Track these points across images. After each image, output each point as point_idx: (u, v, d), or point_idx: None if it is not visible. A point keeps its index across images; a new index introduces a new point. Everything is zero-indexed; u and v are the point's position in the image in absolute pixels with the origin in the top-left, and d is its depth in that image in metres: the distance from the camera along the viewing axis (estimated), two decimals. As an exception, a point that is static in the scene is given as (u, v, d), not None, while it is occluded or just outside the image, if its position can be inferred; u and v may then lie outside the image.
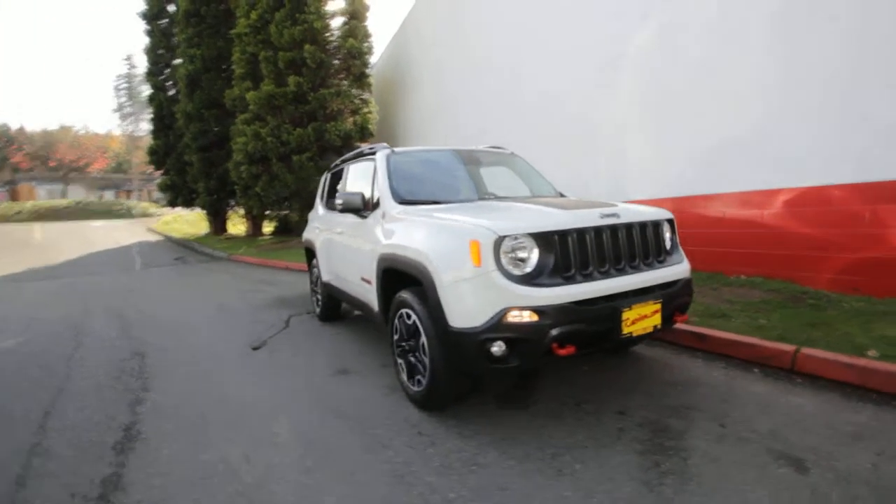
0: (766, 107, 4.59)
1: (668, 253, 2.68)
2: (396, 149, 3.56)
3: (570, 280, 2.22)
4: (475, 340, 2.14)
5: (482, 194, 3.51)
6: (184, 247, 15.17)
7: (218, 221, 17.53)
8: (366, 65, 12.17)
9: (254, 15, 11.53)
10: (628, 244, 2.43)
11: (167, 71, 18.10)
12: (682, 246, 2.93)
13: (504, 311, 2.10)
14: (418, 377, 2.56)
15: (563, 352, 2.14)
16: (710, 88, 5.05)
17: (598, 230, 2.34)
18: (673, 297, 2.50)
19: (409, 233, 2.70)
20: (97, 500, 1.97)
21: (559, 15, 7.09)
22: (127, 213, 31.10)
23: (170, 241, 17.42)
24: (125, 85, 45.74)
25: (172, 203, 18.65)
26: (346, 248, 3.75)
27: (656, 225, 2.61)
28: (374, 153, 3.61)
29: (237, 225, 17.66)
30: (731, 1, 4.81)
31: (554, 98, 7.26)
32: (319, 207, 4.83)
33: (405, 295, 2.63)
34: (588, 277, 2.26)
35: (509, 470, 2.00)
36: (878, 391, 2.51)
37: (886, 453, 1.98)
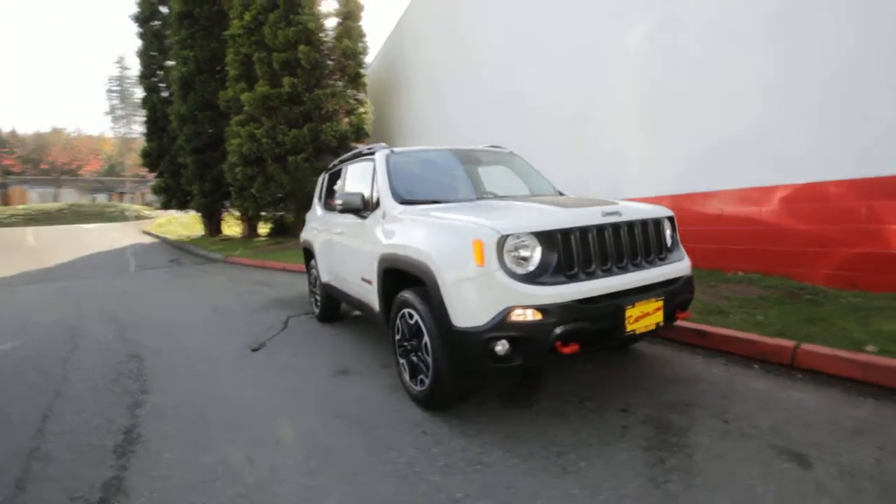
0: (766, 107, 4.61)
1: (669, 250, 2.69)
2: (395, 149, 3.55)
3: (573, 278, 2.22)
4: (479, 340, 2.14)
5: (481, 194, 3.51)
6: (178, 249, 15.07)
7: (213, 223, 17.44)
8: (360, 65, 12.15)
9: (247, 16, 11.48)
10: (630, 242, 2.44)
11: (160, 73, 17.98)
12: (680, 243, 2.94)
13: (508, 310, 2.10)
14: (421, 377, 2.55)
15: (567, 350, 2.14)
16: (709, 88, 5.08)
17: (600, 228, 2.34)
18: (675, 295, 2.51)
19: (410, 233, 2.69)
20: (98, 504, 1.95)
21: (557, 15, 7.10)
22: (120, 216, 30.85)
23: (164, 243, 17.29)
24: (117, 87, 45.51)
25: (166, 205, 18.54)
26: (345, 249, 3.73)
27: (657, 222, 2.62)
28: (372, 153, 3.60)
29: (232, 226, 17.57)
30: (731, 1, 4.83)
31: (552, 98, 7.27)
32: (317, 208, 4.81)
33: (407, 295, 2.62)
34: (591, 275, 2.26)
35: (514, 468, 2.00)
36: (878, 386, 2.52)
37: (888, 448, 1.99)
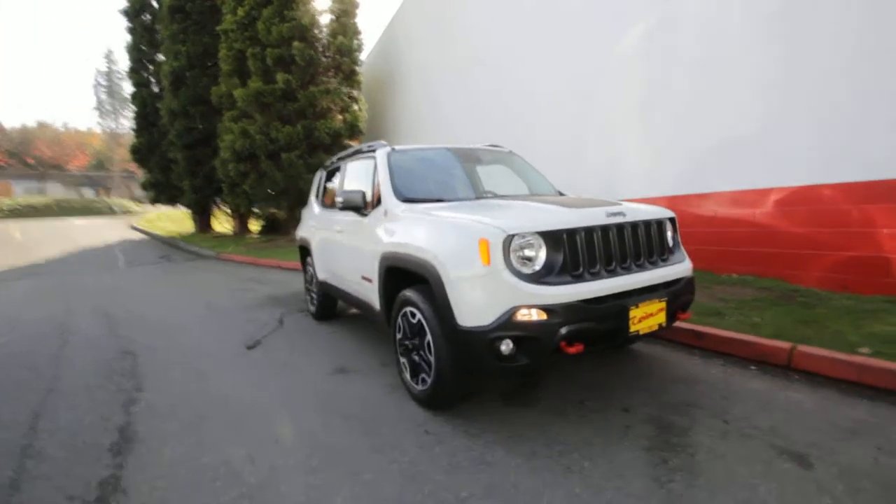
0: (764, 107, 4.65)
1: (671, 251, 2.71)
2: (396, 146, 3.54)
3: (578, 279, 2.22)
4: (484, 339, 2.13)
5: (481, 193, 3.51)
6: (168, 245, 14.90)
7: (203, 219, 17.26)
8: (355, 62, 12.08)
9: (241, 11, 11.35)
10: (634, 243, 2.45)
11: (151, 67, 17.74)
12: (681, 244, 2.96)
13: (513, 310, 2.10)
14: (423, 376, 2.55)
15: (571, 350, 2.15)
16: (707, 89, 5.12)
17: (604, 229, 2.35)
18: (677, 296, 2.52)
19: (413, 231, 2.68)
20: (95, 503, 1.91)
21: (555, 14, 7.12)
22: (108, 211, 30.43)
23: (154, 239, 17.09)
24: (105, 82, 44.80)
25: (155, 201, 18.31)
26: (345, 247, 3.71)
27: (660, 223, 2.64)
28: (373, 151, 3.58)
29: (223, 223, 17.40)
30: (731, 1, 4.87)
31: (549, 97, 7.29)
32: (314, 205, 4.78)
33: (409, 293, 2.61)
34: (596, 276, 2.27)
35: (518, 468, 2.00)
36: (873, 387, 2.56)
37: (885, 448, 2.02)
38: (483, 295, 2.17)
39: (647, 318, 2.33)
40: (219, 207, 16.63)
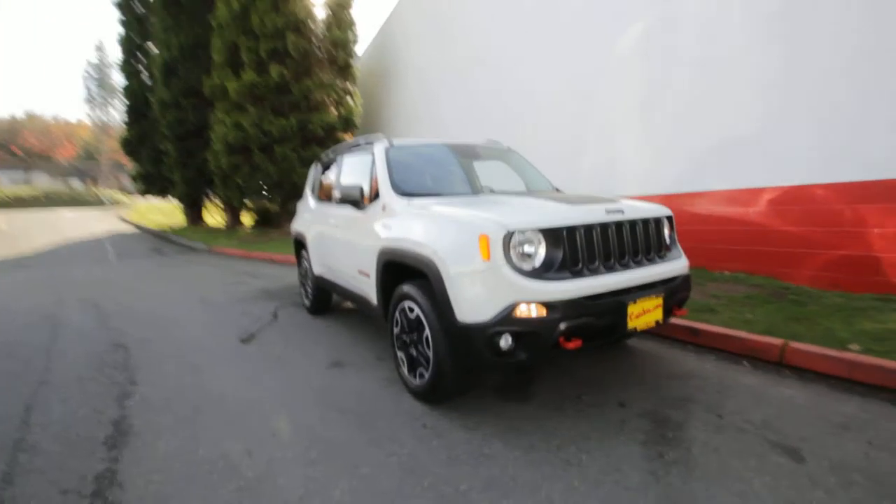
0: (764, 107, 4.67)
1: (668, 249, 2.73)
2: (394, 141, 3.52)
3: (577, 275, 2.23)
4: (484, 334, 2.14)
5: (479, 188, 3.51)
6: (159, 237, 14.74)
7: (194, 212, 17.09)
8: (350, 56, 11.99)
9: (235, 2, 11.19)
10: (632, 240, 2.46)
11: (143, 59, 17.47)
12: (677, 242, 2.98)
13: (513, 305, 2.11)
14: (420, 370, 2.55)
15: (570, 345, 2.16)
16: (707, 89, 5.14)
17: (603, 226, 2.36)
18: (674, 292, 2.55)
19: (412, 226, 2.67)
20: (92, 497, 1.90)
21: (555, 12, 7.11)
22: (97, 202, 30.01)
23: (144, 231, 16.90)
24: (96, 74, 44.10)
25: (146, 193, 18.09)
26: (341, 241, 3.69)
27: (657, 221, 2.65)
28: (371, 145, 3.56)
29: (215, 216, 17.23)
30: (731, 1, 4.88)
31: (550, 97, 7.29)
32: (310, 199, 4.74)
33: (407, 288, 2.60)
34: (594, 272, 2.28)
35: (516, 461, 2.01)
36: (863, 383, 2.61)
37: (875, 442, 2.06)
38: (482, 290, 2.18)
39: (644, 314, 2.34)
40: (210, 200, 16.46)
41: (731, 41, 4.87)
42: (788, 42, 4.44)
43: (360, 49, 12.49)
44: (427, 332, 2.44)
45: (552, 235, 2.25)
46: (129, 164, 21.99)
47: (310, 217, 4.57)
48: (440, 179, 3.42)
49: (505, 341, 2.15)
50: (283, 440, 2.28)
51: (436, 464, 2.01)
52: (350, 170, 3.82)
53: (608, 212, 2.41)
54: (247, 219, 16.09)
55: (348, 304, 5.01)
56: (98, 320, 4.76)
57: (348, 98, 12.11)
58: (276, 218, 14.01)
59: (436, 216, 2.60)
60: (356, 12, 12.28)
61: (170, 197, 17.54)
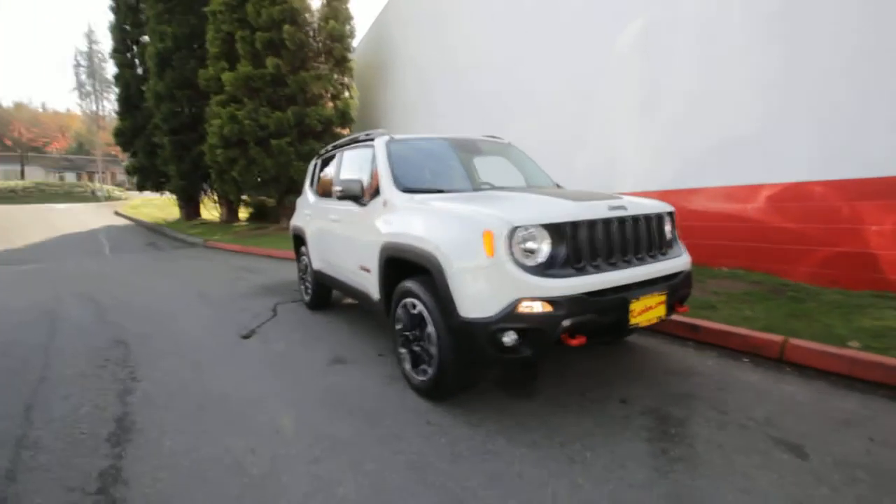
0: (763, 107, 4.67)
1: (670, 245, 2.74)
2: (395, 136, 3.50)
3: (581, 271, 2.23)
4: (487, 330, 2.14)
5: (478, 184, 3.50)
6: (154, 232, 14.66)
7: (190, 206, 16.98)
8: (347, 48, 11.90)
9: (229, -9, 11.09)
10: (635, 236, 2.47)
11: (135, 48, 17.26)
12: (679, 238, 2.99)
13: (517, 302, 2.10)
14: (423, 367, 2.55)
15: (574, 342, 2.16)
16: (707, 89, 5.14)
17: (607, 222, 2.36)
18: (676, 289, 2.56)
19: (415, 221, 2.66)
20: (97, 495, 1.89)
21: (553, 8, 7.06)
22: (91, 196, 29.74)
23: (139, 225, 16.79)
24: (85, 62, 43.49)
25: (141, 187, 17.94)
26: (342, 236, 3.67)
27: (659, 217, 2.66)
28: (371, 139, 3.54)
29: (210, 210, 17.14)
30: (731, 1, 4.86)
31: (547, 95, 7.27)
32: (309, 194, 4.72)
33: (410, 284, 2.60)
34: (598, 269, 2.28)
35: (521, 458, 2.02)
36: (863, 380, 2.63)
37: (877, 439, 2.08)
38: (486, 286, 2.17)
39: (647, 311, 2.35)
40: (206, 194, 16.36)
41: (730, 41, 4.86)
42: (788, 42, 4.44)
43: (355, 41, 12.38)
44: (430, 328, 2.43)
45: (556, 231, 2.25)
46: (123, 157, 21.82)
47: (309, 213, 4.55)
48: (441, 175, 3.41)
49: (509, 338, 2.15)
50: (287, 437, 2.27)
51: (441, 460, 2.01)
52: (350, 165, 3.80)
53: (611, 208, 2.41)
54: (243, 213, 16.02)
55: (348, 300, 5.00)
56: (96, 316, 4.73)
57: (345, 91, 12.03)
58: (272, 213, 13.96)
59: (438, 212, 2.59)
60: (352, 5, 12.17)
61: (166, 191, 17.41)
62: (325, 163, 4.53)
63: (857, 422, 2.23)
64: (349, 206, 3.46)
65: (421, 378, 2.58)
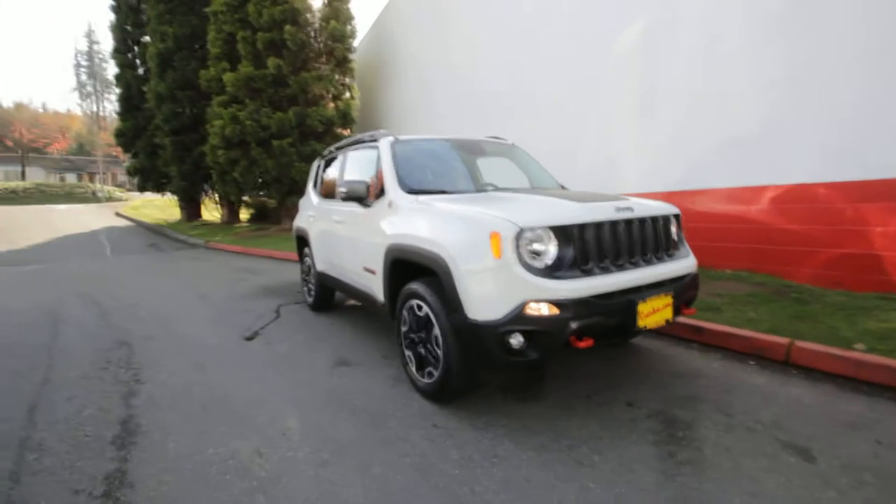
0: (763, 108, 4.67)
1: (676, 247, 2.73)
2: (400, 137, 3.49)
3: (588, 273, 2.23)
4: (494, 333, 2.13)
5: (482, 185, 3.50)
6: (155, 233, 14.65)
7: (191, 207, 16.99)
8: (349, 49, 11.91)
9: (231, -9, 11.10)
10: (641, 238, 2.46)
11: (136, 48, 17.27)
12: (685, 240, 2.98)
13: (524, 304, 2.10)
14: (429, 369, 2.54)
15: (581, 344, 2.16)
16: (708, 90, 5.14)
17: (613, 224, 2.36)
18: (682, 291, 2.55)
19: (421, 223, 2.65)
20: (103, 498, 1.88)
21: (552, 10, 7.07)
22: (92, 197, 29.74)
23: (140, 226, 16.79)
24: (86, 62, 43.51)
25: (142, 188, 17.95)
26: (346, 238, 3.67)
27: (665, 219, 2.65)
28: (375, 141, 3.54)
29: (211, 211, 17.14)
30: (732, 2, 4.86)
31: (547, 95, 7.27)
32: (312, 195, 4.71)
33: (416, 286, 2.59)
34: (605, 271, 2.28)
35: (529, 461, 2.01)
36: (869, 382, 2.63)
37: (884, 442, 2.07)
38: (494, 289, 2.17)
39: (654, 313, 2.35)
40: (207, 195, 16.37)
41: (733, 41, 4.86)
42: (791, 42, 4.43)
43: (356, 41, 12.39)
44: (436, 330, 2.43)
45: (563, 233, 2.24)
46: (124, 158, 21.81)
47: (312, 214, 4.54)
48: (446, 176, 3.40)
49: (516, 340, 2.14)
50: (294, 440, 2.27)
51: (449, 464, 2.01)
52: (354, 166, 3.79)
53: (618, 209, 2.41)
54: (244, 214, 16.02)
55: (351, 302, 5.00)
56: (98, 317, 4.73)
57: (346, 92, 12.03)
58: (273, 214, 13.96)
59: (445, 213, 2.58)
60: (353, 6, 12.16)
61: (167, 192, 17.42)
62: (328, 164, 4.53)
63: (863, 424, 2.22)
64: (353, 207, 3.46)
65: (426, 380, 2.58)
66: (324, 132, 11.55)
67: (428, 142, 3.69)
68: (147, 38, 15.79)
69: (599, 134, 6.43)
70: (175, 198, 17.23)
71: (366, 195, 3.19)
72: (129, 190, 34.51)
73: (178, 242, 12.29)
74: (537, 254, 2.20)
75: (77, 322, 4.54)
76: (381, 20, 12.95)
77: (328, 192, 4.34)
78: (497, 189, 3.41)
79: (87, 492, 1.92)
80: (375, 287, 3.16)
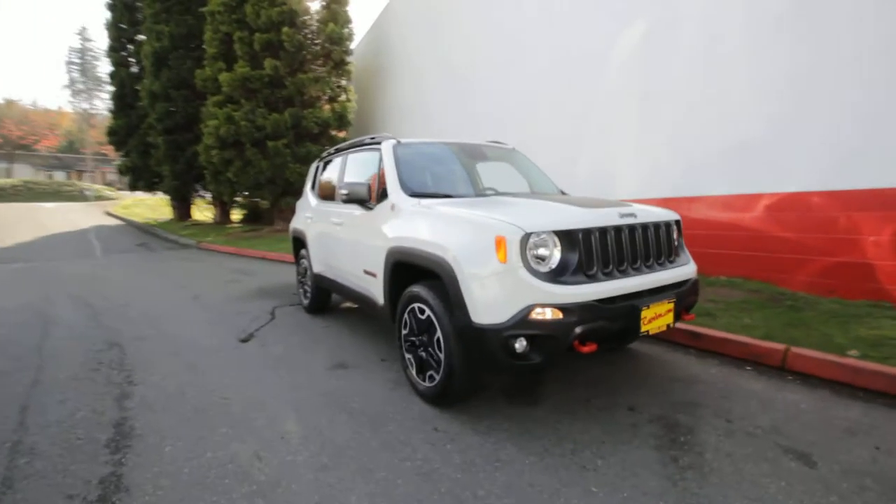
0: (760, 114, 4.73)
1: (677, 253, 2.75)
2: (402, 140, 3.48)
3: (592, 278, 2.23)
4: (499, 337, 2.12)
5: (481, 189, 3.50)
6: (146, 232, 14.48)
7: (183, 207, 16.83)
8: (346, 51, 11.89)
9: (228, -8, 11.04)
10: (644, 244, 2.47)
11: (130, 47, 17.13)
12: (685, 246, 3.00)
13: (529, 308, 2.09)
14: (430, 373, 2.53)
15: (585, 349, 2.16)
16: (700, 96, 5.20)
17: (617, 229, 2.37)
18: (683, 297, 2.56)
19: (424, 226, 2.64)
20: (98, 503, 1.84)
21: (548, 13, 7.12)
22: (80, 196, 29.35)
23: (130, 226, 16.58)
24: (78, 60, 43.10)
25: (133, 187, 17.76)
26: (346, 240, 3.64)
27: (668, 225, 2.67)
28: (376, 143, 3.53)
29: (203, 211, 16.99)
30: (733, 4, 4.92)
31: (546, 97, 7.30)
32: (310, 197, 4.68)
33: (418, 289, 2.58)
34: (609, 276, 2.28)
35: (532, 466, 2.00)
36: (865, 389, 2.66)
37: (883, 448, 2.09)
38: (499, 292, 2.16)
39: (656, 318, 2.36)
40: (200, 195, 16.23)
41: (733, 44, 4.91)
42: (790, 45, 4.49)
43: (353, 44, 12.38)
44: (439, 333, 2.42)
45: (568, 238, 2.24)
46: (115, 156, 21.57)
47: (310, 215, 4.51)
48: (448, 180, 3.40)
49: (520, 344, 2.14)
50: (293, 443, 2.24)
51: (451, 469, 1.99)
52: (355, 168, 3.78)
53: (622, 215, 2.42)
54: (236, 215, 15.90)
55: (346, 304, 4.97)
56: (89, 318, 4.65)
57: (343, 94, 12.01)
58: (266, 215, 13.86)
59: (449, 217, 2.57)
60: (351, 8, 12.13)
61: (158, 192, 17.24)
62: (327, 166, 4.51)
63: (861, 430, 2.24)
64: (354, 209, 3.44)
65: (427, 384, 2.56)
66: (319, 134, 11.52)
67: (429, 145, 3.68)
68: (142, 37, 15.65)
69: (597, 142, 6.46)
70: (167, 197, 17.05)
71: (368, 198, 3.17)
72: (118, 189, 34.11)
73: (170, 242, 12.16)
74: (542, 258, 2.20)
75: (67, 322, 4.46)
76: (379, 23, 12.96)
77: (327, 194, 4.32)
78: (497, 193, 3.42)
79: (81, 496, 1.88)
80: (375, 290, 3.14)
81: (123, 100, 16.93)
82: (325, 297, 4.57)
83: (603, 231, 2.31)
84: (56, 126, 46.99)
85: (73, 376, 3.12)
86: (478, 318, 2.19)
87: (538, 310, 2.10)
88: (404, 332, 2.73)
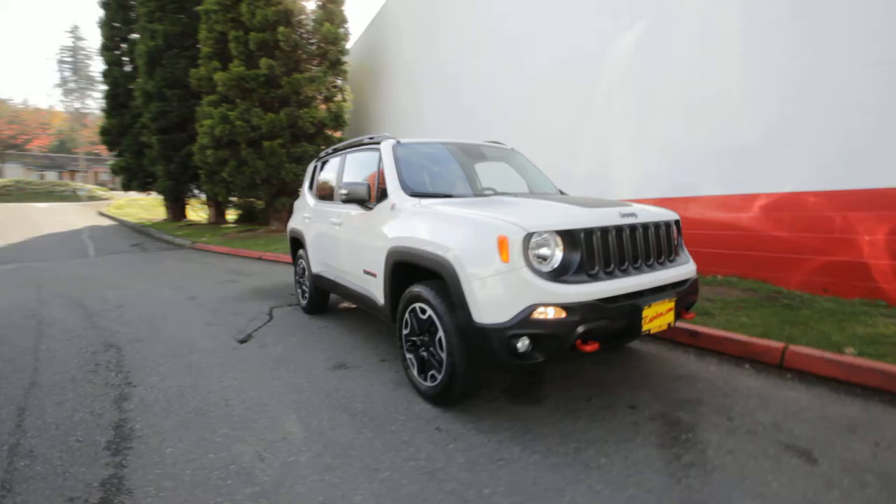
0: (756, 116, 4.76)
1: (677, 253, 2.76)
2: (401, 139, 3.48)
3: (594, 278, 2.24)
4: (501, 336, 2.13)
5: (480, 189, 3.50)
6: (140, 233, 14.37)
7: (177, 207, 16.72)
8: (342, 51, 11.85)
9: (223, -9, 10.98)
10: (645, 244, 2.48)
11: (124, 45, 16.99)
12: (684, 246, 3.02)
13: (532, 308, 2.10)
14: (432, 372, 2.52)
15: (587, 348, 2.16)
16: (696, 97, 5.23)
17: (618, 229, 2.38)
18: (684, 296, 2.58)
19: (425, 226, 2.64)
20: (100, 505, 1.83)
21: (546, 16, 7.13)
22: (72, 196, 29.09)
23: (124, 226, 16.45)
24: (70, 58, 42.73)
25: (127, 186, 17.61)
26: (345, 240, 3.63)
27: (668, 225, 2.68)
28: (376, 143, 3.52)
29: (197, 211, 16.89)
30: (729, 7, 4.95)
31: (544, 99, 7.32)
32: (308, 197, 4.66)
33: (419, 289, 2.57)
34: (611, 275, 2.29)
35: (536, 464, 2.01)
36: (863, 386, 2.68)
37: (882, 444, 2.12)
38: (501, 292, 2.16)
39: (657, 317, 2.37)
40: (194, 195, 16.13)
41: (731, 47, 4.95)
42: (790, 46, 4.53)
43: (349, 44, 12.35)
44: (440, 333, 2.41)
45: (570, 238, 2.25)
46: (108, 155, 21.40)
47: (308, 215, 4.50)
48: (447, 180, 3.40)
49: (523, 343, 2.14)
50: (296, 444, 2.23)
51: (455, 468, 1.99)
52: (354, 168, 3.77)
53: (622, 215, 2.43)
54: (231, 215, 15.82)
55: (344, 304, 4.96)
56: (84, 319, 4.61)
57: (339, 94, 11.97)
58: (261, 215, 13.80)
59: (450, 217, 2.57)
60: (347, 6, 12.12)
61: (152, 191, 17.12)
62: (325, 165, 4.49)
63: (860, 427, 2.26)
64: (353, 209, 3.43)
65: (429, 383, 2.56)
66: (315, 134, 11.48)
67: (429, 145, 3.68)
68: (136, 35, 15.53)
69: (593, 142, 6.48)
70: (161, 197, 16.93)
71: (368, 197, 3.17)
72: (111, 189, 33.86)
73: (164, 243, 12.08)
74: (544, 258, 2.20)
75: (62, 324, 4.42)
76: (375, 23, 12.93)
77: (325, 194, 4.30)
78: (497, 193, 3.42)
79: (82, 499, 1.86)
80: (375, 290, 3.13)
81: (117, 99, 16.78)
82: (323, 298, 4.55)
83: (604, 231, 2.32)
84: (48, 125, 46.54)
85: (71, 378, 3.10)
86: (480, 317, 2.19)
87: (541, 309, 2.10)
88: (405, 331, 2.73)
